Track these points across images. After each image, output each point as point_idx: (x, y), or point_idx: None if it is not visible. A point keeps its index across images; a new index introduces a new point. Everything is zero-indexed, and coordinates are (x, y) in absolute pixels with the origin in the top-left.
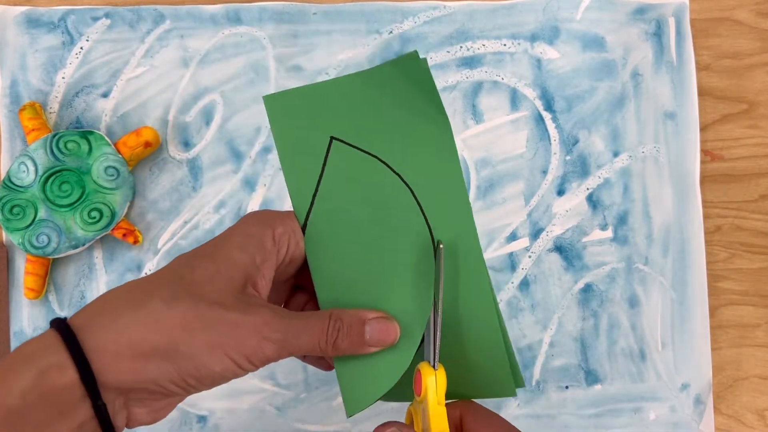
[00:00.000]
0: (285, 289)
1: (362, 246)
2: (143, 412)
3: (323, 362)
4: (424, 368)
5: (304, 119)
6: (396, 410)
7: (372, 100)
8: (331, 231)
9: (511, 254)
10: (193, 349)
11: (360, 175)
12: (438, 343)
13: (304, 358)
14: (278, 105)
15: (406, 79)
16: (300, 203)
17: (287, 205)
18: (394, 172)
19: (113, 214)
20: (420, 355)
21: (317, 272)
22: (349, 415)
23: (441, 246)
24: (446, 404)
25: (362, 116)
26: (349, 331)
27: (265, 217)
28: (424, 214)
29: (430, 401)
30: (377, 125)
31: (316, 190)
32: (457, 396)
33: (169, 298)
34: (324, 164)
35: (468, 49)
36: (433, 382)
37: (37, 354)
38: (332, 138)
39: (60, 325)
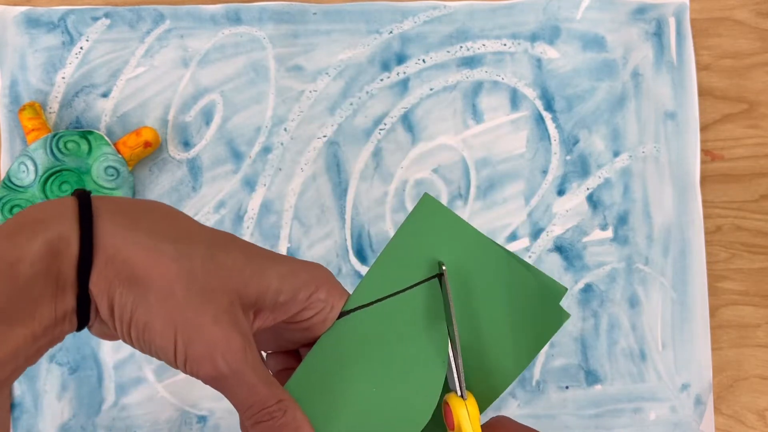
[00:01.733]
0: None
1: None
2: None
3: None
4: (453, 400)
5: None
6: None
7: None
8: (351, 344)
9: None
10: (154, 310)
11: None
12: (461, 371)
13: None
14: (430, 209)
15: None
16: (358, 296)
17: (286, 204)
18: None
19: None
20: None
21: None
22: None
23: (445, 269)
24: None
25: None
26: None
27: (324, 274)
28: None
29: None
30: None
31: (379, 300)
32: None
33: (201, 255)
34: (409, 287)
35: (468, 49)
36: (465, 413)
37: (48, 222)
38: (440, 276)
39: (83, 197)
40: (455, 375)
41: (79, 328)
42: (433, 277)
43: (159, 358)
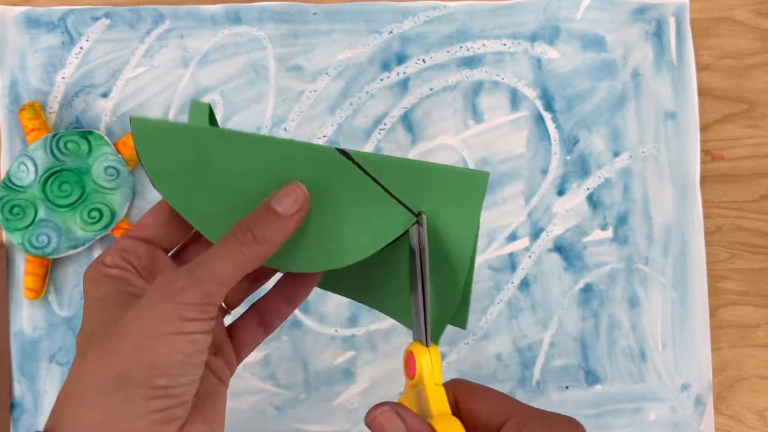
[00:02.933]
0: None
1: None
2: None
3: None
4: (417, 348)
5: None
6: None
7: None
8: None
9: (511, 254)
10: (133, 349)
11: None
12: (428, 320)
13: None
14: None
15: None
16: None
17: None
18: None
19: (113, 214)
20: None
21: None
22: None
23: (424, 216)
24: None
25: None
26: (257, 220)
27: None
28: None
29: (426, 382)
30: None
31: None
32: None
33: (84, 367)
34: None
35: (468, 49)
36: (428, 362)
37: None
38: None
39: None
40: (421, 323)
41: None
42: (413, 224)
43: (190, 357)
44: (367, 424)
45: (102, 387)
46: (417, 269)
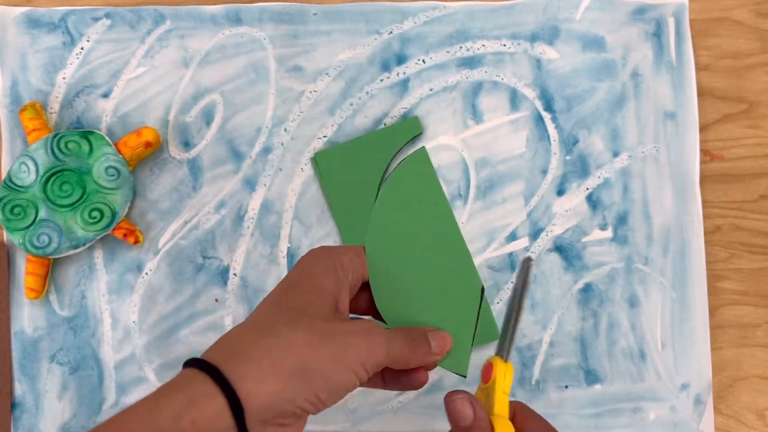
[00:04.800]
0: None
1: (414, 269)
2: None
3: (379, 381)
4: (497, 362)
5: (349, 168)
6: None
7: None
8: (388, 258)
9: (510, 254)
10: (320, 363)
11: (408, 210)
12: (513, 341)
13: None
14: (326, 159)
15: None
16: (351, 236)
17: (287, 204)
18: (445, 207)
19: (114, 214)
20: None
21: (378, 292)
22: (465, 375)
23: (531, 260)
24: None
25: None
26: (418, 342)
27: (330, 251)
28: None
29: (497, 389)
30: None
31: (369, 225)
32: None
33: (288, 322)
34: (376, 200)
35: (468, 49)
36: (503, 374)
37: (184, 385)
38: (383, 178)
39: (198, 363)
40: (506, 342)
41: None
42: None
43: (349, 391)
44: (445, 403)
45: (285, 364)
46: (515, 300)
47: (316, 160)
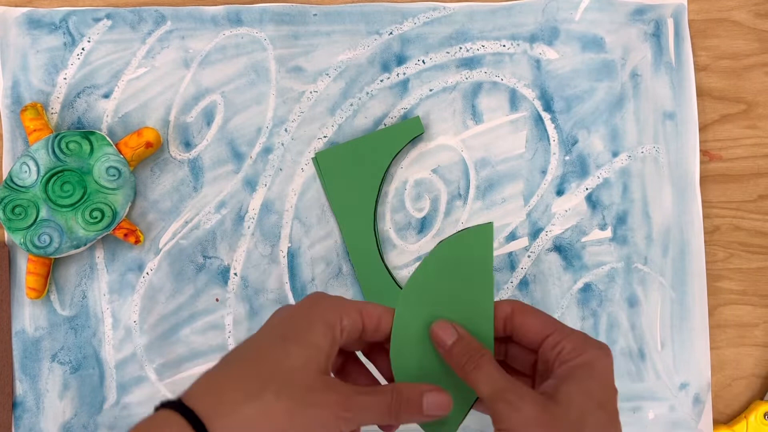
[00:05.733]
0: None
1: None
2: None
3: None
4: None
5: (350, 168)
6: None
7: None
8: (415, 319)
9: (510, 254)
10: (292, 414)
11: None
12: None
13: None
14: (326, 159)
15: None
16: (352, 235)
17: (287, 204)
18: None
19: (114, 214)
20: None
21: (396, 351)
22: None
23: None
24: (496, 302)
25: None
26: (408, 403)
27: (335, 306)
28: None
29: None
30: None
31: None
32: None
33: (277, 390)
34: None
35: (467, 50)
36: None
37: (161, 428)
38: (384, 179)
39: (181, 409)
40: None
41: None
42: None
43: None
44: (431, 335)
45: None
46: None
47: (317, 160)
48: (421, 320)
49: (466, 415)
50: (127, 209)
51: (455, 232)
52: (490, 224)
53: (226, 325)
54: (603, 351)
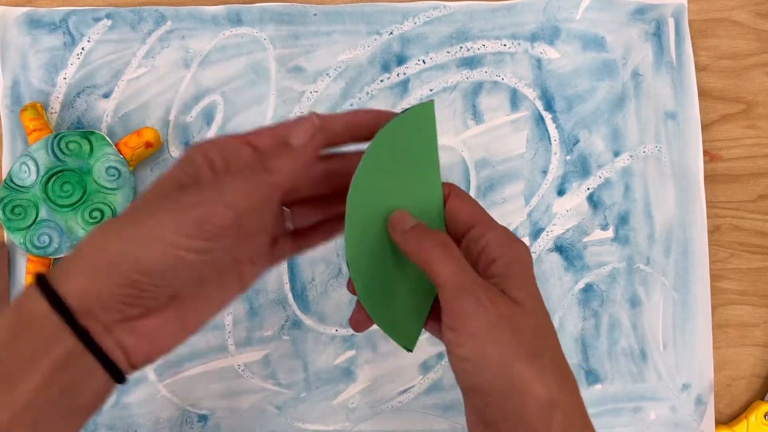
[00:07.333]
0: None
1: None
2: (137, 342)
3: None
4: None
5: None
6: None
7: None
8: (365, 211)
9: None
10: (125, 247)
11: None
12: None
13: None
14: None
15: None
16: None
17: None
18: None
19: (114, 214)
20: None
21: (351, 243)
22: (411, 350)
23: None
24: None
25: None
26: (271, 152)
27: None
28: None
29: None
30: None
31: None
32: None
33: (134, 209)
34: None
35: (468, 50)
36: None
37: (17, 298)
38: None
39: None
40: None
41: (119, 378)
42: None
43: (176, 269)
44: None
45: (94, 259)
46: None
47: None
48: (374, 211)
49: (422, 325)
50: None
51: (396, 114)
52: (431, 102)
53: (225, 325)
54: (525, 246)
